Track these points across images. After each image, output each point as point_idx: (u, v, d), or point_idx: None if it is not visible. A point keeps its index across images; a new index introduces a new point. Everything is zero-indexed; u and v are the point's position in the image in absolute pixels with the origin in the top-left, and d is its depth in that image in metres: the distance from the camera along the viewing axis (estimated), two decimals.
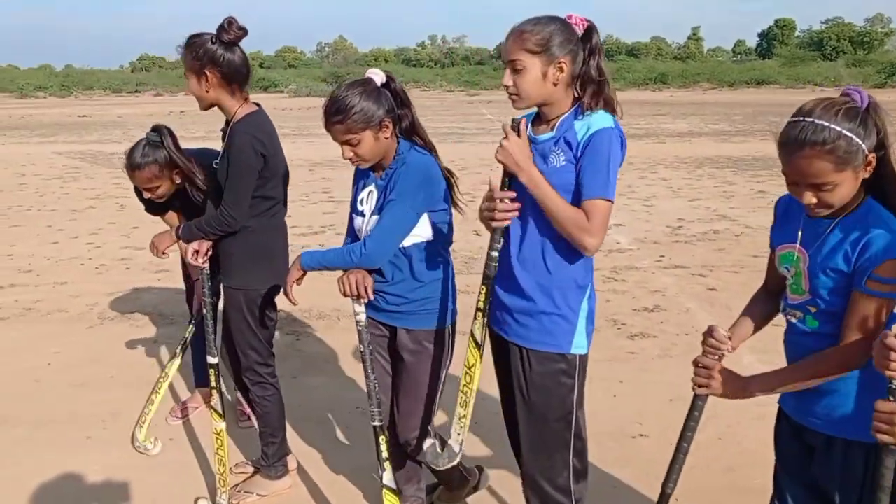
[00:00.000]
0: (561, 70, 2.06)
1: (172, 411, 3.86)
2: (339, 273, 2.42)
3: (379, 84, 2.38)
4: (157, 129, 3.27)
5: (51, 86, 54.85)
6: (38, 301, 5.75)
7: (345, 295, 2.37)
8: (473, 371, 2.21)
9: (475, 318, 2.18)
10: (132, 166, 3.23)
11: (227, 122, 2.88)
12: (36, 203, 10.12)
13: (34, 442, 3.56)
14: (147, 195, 3.34)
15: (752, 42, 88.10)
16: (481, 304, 2.16)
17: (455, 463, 2.28)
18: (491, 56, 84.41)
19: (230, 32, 2.66)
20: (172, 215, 3.63)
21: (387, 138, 2.38)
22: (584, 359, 2.19)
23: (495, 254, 2.13)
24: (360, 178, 2.57)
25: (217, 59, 2.67)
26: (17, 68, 76.10)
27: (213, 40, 2.67)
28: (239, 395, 3.64)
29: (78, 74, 64.61)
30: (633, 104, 32.15)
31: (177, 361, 3.50)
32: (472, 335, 2.19)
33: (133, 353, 4.69)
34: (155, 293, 5.94)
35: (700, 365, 1.92)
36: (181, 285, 6.01)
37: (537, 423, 2.21)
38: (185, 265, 3.78)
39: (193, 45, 2.68)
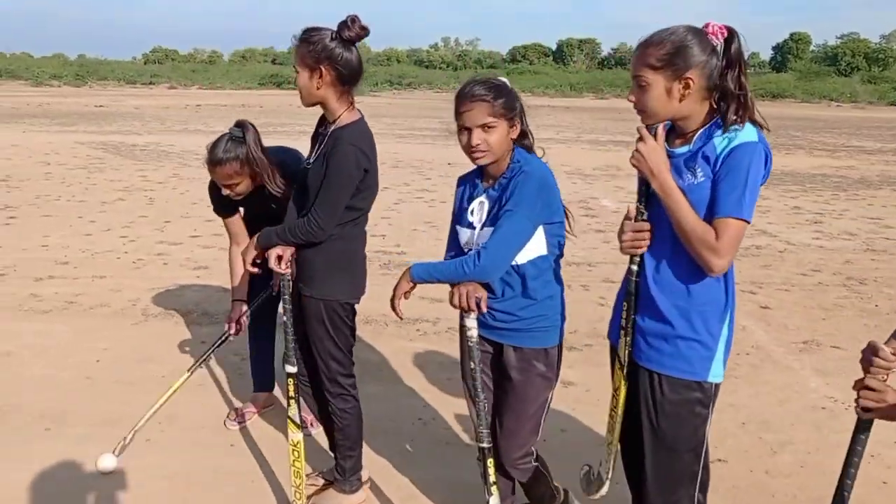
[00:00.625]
0: (687, 86, 1.97)
1: (230, 416, 3.77)
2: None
3: None
4: (240, 124, 3.19)
5: (65, 75, 54.91)
6: (79, 294, 5.66)
7: (459, 308, 2.27)
8: (619, 394, 2.12)
9: (619, 338, 2.09)
10: (213, 161, 3.16)
11: (322, 122, 2.78)
12: (64, 193, 10.04)
13: (94, 442, 3.46)
14: (226, 192, 3.27)
15: (766, 55, 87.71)
16: (624, 323, 2.07)
17: (603, 492, 2.19)
18: (503, 60, 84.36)
19: (352, 30, 2.54)
20: (234, 221, 3.55)
21: (513, 139, 2.31)
22: (718, 388, 2.09)
23: (635, 268, 2.04)
24: (465, 189, 2.47)
25: (335, 57, 2.55)
26: (31, 56, 76.21)
27: (333, 36, 2.56)
28: (303, 400, 3.55)
29: (92, 64, 64.68)
30: None
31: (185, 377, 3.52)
32: (618, 356, 2.10)
33: (181, 353, 4.60)
34: (196, 290, 5.85)
35: (867, 387, 1.80)
36: (221, 283, 5.96)
37: (666, 453, 2.11)
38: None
39: (311, 38, 2.56)
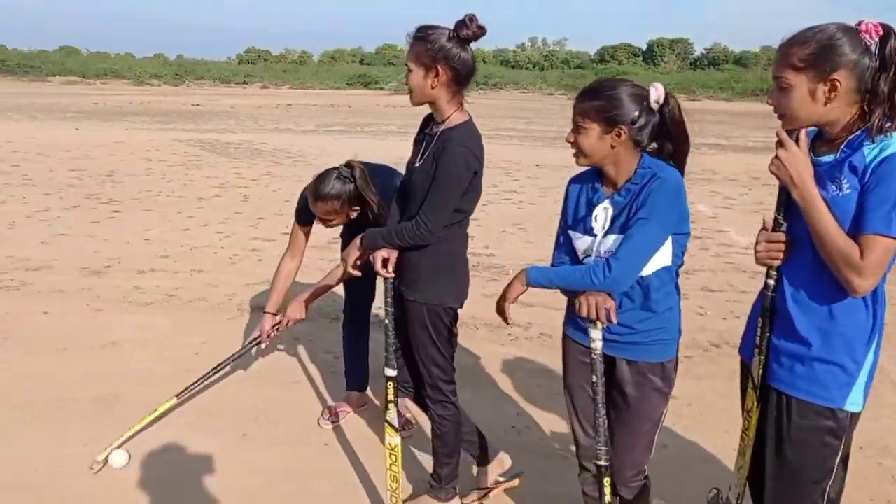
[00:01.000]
0: (833, 88, 1.80)
1: (324, 415, 3.78)
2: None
3: (652, 100, 2.15)
4: (350, 165, 3.25)
5: (165, 74, 57.17)
6: (179, 288, 5.83)
7: (587, 318, 2.16)
8: (752, 416, 1.98)
9: (754, 356, 1.95)
10: (317, 195, 3.24)
11: (427, 123, 2.73)
12: (164, 189, 10.40)
13: (196, 435, 3.54)
14: (318, 223, 3.38)
15: None
16: (758, 340, 1.93)
17: None
18: (591, 60, 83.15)
19: (469, 28, 2.48)
20: (305, 231, 3.63)
21: (613, 147, 2.16)
22: (856, 418, 1.92)
23: (772, 282, 1.89)
24: (581, 192, 2.33)
25: (452, 56, 2.49)
26: (133, 56, 79.66)
27: (451, 36, 2.50)
28: (407, 402, 3.54)
29: (189, 64, 67.10)
30: (745, 116, 30.95)
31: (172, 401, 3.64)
32: (751, 375, 1.96)
33: (276, 350, 4.65)
34: (290, 288, 5.90)
35: None
36: (312, 281, 6.01)
37: (788, 481, 1.96)
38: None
39: (429, 37, 2.50)
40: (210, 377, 3.75)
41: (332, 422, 3.72)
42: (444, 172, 2.50)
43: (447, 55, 2.49)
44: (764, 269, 2.01)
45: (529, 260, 6.90)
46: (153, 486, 3.14)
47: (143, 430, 3.49)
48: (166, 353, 4.55)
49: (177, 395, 3.65)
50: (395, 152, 13.55)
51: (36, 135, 16.88)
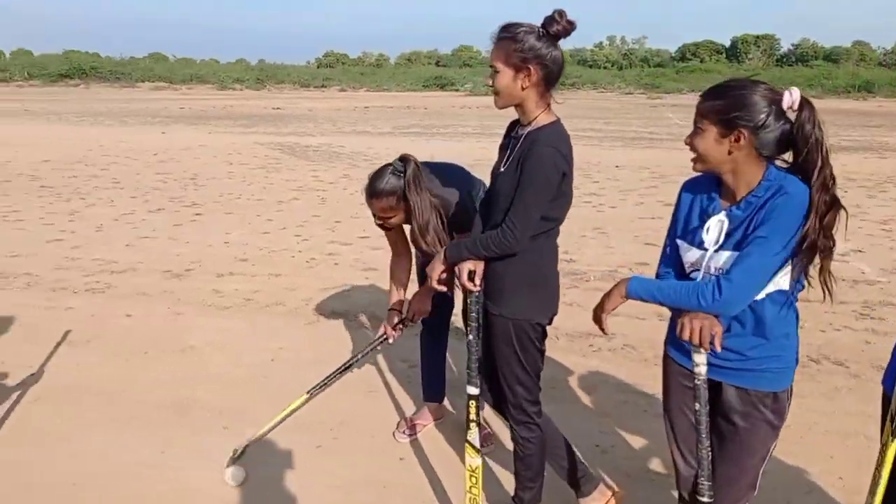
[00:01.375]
0: None
1: (399, 427, 3.67)
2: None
3: (785, 106, 1.93)
4: (403, 159, 3.11)
5: (247, 79, 58.82)
6: (256, 292, 5.85)
7: (690, 341, 1.97)
8: (886, 451, 1.76)
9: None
10: (371, 193, 3.11)
11: (514, 126, 2.57)
12: (244, 192, 10.57)
13: (271, 444, 3.49)
14: (378, 223, 3.23)
15: None
16: None
17: None
18: (672, 58, 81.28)
19: (559, 24, 2.31)
20: (392, 232, 3.45)
21: (731, 153, 1.95)
22: None
23: None
24: (696, 200, 2.13)
25: (544, 54, 2.33)
26: (217, 62, 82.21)
27: (541, 34, 2.34)
28: (486, 413, 3.40)
29: (270, 69, 68.79)
30: (836, 113, 29.53)
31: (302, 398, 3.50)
32: (891, 410, 1.75)
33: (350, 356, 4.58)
34: (365, 292, 5.87)
35: None
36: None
37: None
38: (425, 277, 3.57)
39: (517, 35, 2.33)
40: (338, 376, 3.62)
41: (409, 435, 3.61)
42: (530, 175, 2.33)
43: (538, 54, 2.32)
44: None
45: (610, 266, 6.66)
46: (230, 493, 3.10)
47: (275, 426, 3.46)
48: (244, 358, 4.54)
49: (308, 392, 3.57)
50: (472, 154, 13.48)
51: (125, 139, 17.53)
